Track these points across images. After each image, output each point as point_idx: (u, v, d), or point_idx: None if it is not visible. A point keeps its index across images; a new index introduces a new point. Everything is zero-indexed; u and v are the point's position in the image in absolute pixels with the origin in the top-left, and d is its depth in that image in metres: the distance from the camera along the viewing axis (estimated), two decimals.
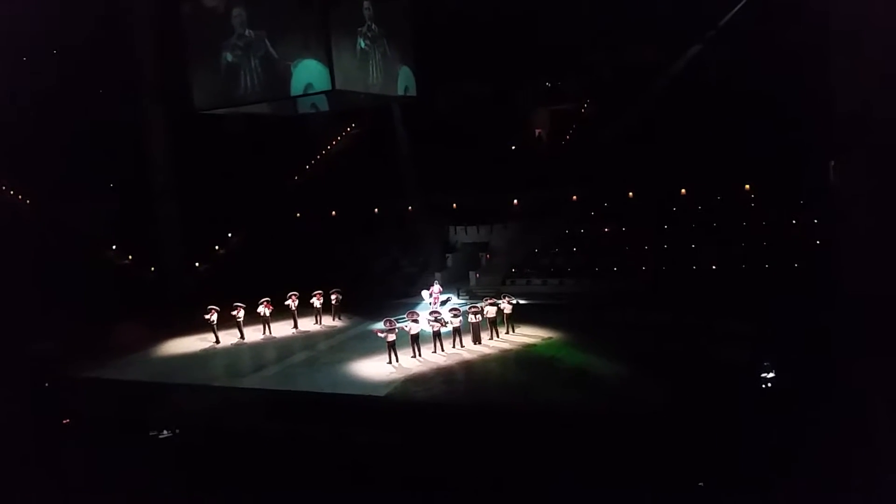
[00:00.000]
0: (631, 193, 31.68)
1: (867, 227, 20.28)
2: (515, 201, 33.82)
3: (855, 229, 21.33)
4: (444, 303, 26.10)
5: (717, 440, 13.73)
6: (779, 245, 26.84)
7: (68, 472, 14.36)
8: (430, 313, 22.63)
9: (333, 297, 26.86)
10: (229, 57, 28.45)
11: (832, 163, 24.37)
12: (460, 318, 22.25)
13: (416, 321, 21.63)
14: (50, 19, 32.56)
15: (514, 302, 23.77)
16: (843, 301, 19.48)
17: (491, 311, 22.99)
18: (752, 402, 15.95)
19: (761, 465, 12.61)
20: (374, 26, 29.26)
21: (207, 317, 24.98)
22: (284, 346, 24.78)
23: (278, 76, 27.90)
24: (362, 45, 28.44)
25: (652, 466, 12.97)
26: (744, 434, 13.86)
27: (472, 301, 26.13)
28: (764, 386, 16.54)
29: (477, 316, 22.50)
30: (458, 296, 29.41)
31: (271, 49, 27.80)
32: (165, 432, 16.15)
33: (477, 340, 22.49)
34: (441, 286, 27.70)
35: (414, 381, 19.54)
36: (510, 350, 22.07)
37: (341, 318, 27.25)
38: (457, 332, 22.11)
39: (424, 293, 27.12)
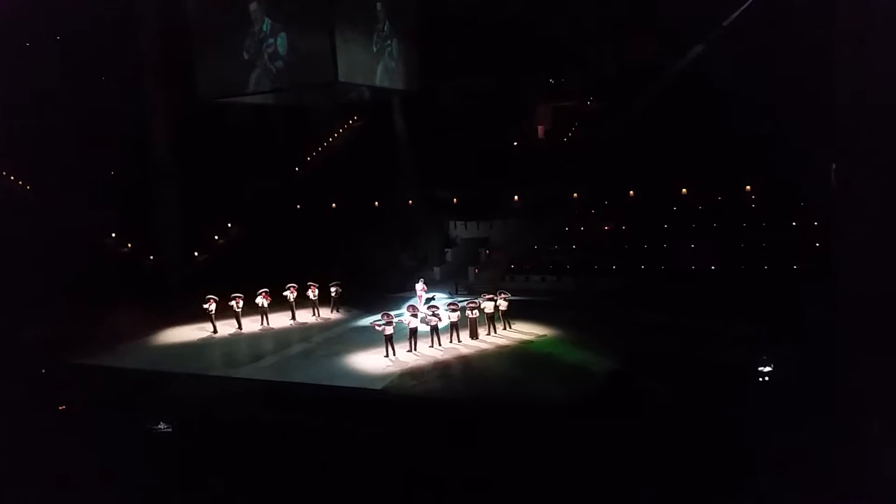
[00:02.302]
0: (632, 192, 31.66)
1: (868, 229, 20.26)
2: (516, 197, 33.80)
3: (856, 232, 21.30)
4: (427, 300, 25.79)
5: (713, 439, 13.75)
6: (779, 246, 26.83)
7: (63, 458, 14.38)
8: (429, 308, 22.64)
9: (333, 289, 26.88)
10: (236, 47, 28.50)
11: (834, 165, 24.31)
12: (458, 312, 22.27)
13: (414, 315, 21.65)
14: (53, 6, 32.51)
15: (509, 298, 23.75)
16: (842, 303, 19.48)
17: (488, 307, 23.00)
18: (750, 401, 15.97)
19: (760, 464, 12.63)
20: (382, 21, 29.29)
21: (206, 306, 25.01)
22: (282, 337, 24.81)
23: (287, 67, 27.94)
24: (366, 38, 28.47)
25: (647, 463, 12.99)
26: (742, 433, 13.88)
27: (468, 297, 26.03)
28: (761, 380, 16.53)
29: (474, 311, 22.52)
30: (457, 292, 29.34)
31: (280, 40, 27.83)
32: (162, 426, 16.09)
33: (474, 336, 22.51)
34: (426, 285, 27.28)
35: (410, 375, 19.61)
36: (507, 346, 22.10)
37: (340, 310, 27.27)
38: (454, 326, 22.14)
39: (418, 286, 26.89)
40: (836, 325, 18.86)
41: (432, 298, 25.66)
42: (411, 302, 25.49)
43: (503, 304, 23.41)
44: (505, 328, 23.47)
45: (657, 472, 12.67)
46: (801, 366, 16.95)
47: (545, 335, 22.99)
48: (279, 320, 26.14)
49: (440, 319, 21.81)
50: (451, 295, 28.65)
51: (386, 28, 29.61)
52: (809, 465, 12.05)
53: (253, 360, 22.21)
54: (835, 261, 22.35)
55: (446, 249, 33.49)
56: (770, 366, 16.57)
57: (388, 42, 29.98)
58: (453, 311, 22.23)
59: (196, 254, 35.38)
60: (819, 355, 17.20)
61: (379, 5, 29.10)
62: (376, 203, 36.63)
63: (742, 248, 27.53)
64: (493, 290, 24.03)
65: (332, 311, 27.06)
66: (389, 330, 20.86)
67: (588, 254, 29.83)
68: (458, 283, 30.33)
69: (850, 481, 11.54)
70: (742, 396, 16.19)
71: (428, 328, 21.78)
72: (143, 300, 28.56)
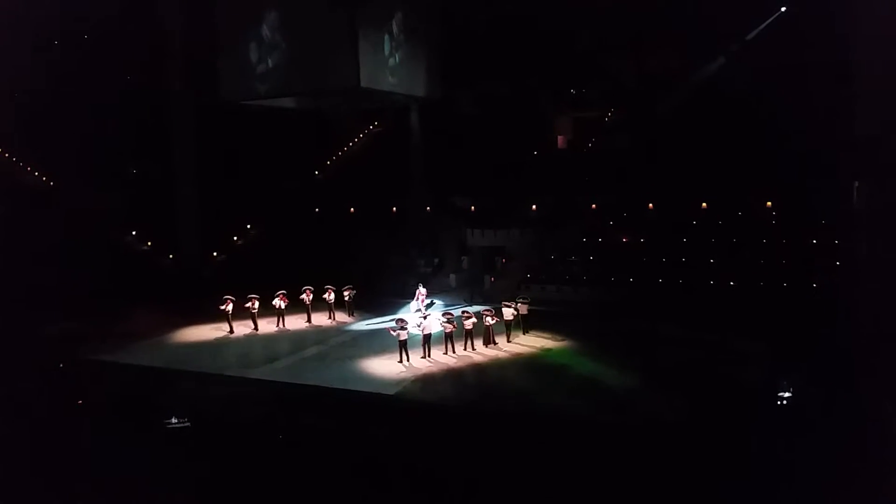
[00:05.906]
0: (651, 205, 31.53)
1: (890, 248, 20.07)
2: (534, 207, 33.76)
3: (877, 252, 21.11)
4: (428, 306, 25.64)
5: (727, 454, 13.66)
6: (798, 264, 26.59)
7: (79, 451, 14.54)
8: (443, 314, 22.65)
9: (346, 293, 26.97)
10: (258, 52, 28.78)
11: (856, 184, 24.11)
12: (473, 319, 22.25)
13: (425, 317, 21.67)
14: (79, 3, 32.89)
15: (529, 303, 23.72)
16: (861, 321, 19.31)
17: (506, 314, 23.00)
18: (765, 418, 15.85)
19: (770, 477, 12.53)
20: (401, 28, 29.43)
21: (223, 307, 25.21)
22: (297, 339, 24.88)
23: (306, 73, 28.16)
24: (389, 45, 28.64)
25: (657, 478, 12.92)
26: (754, 448, 13.78)
27: (483, 305, 25.95)
28: (779, 403, 16.39)
29: (489, 319, 22.50)
30: (472, 299, 29.26)
31: (299, 46, 28.05)
32: (175, 421, 16.22)
33: (488, 343, 22.50)
34: (426, 290, 26.82)
35: (423, 382, 19.61)
36: (521, 355, 22.04)
37: (354, 314, 27.35)
38: (468, 334, 22.11)
39: (413, 304, 26.45)
40: (855, 342, 18.68)
41: (432, 304, 25.59)
42: (411, 304, 25.50)
43: (524, 310, 23.45)
44: (522, 334, 23.47)
45: (666, 487, 12.61)
46: (819, 384, 16.78)
47: (560, 345, 22.93)
48: (295, 322, 26.27)
49: (454, 326, 21.80)
50: (466, 302, 28.62)
51: (407, 35, 29.77)
52: (821, 483, 11.95)
53: (268, 362, 22.31)
54: (855, 279, 22.17)
55: (462, 257, 33.49)
56: (789, 391, 16.37)
57: (410, 49, 30.14)
58: (467, 318, 22.23)
59: (214, 254, 35.65)
60: (836, 374, 17.04)
61: (401, 13, 29.28)
62: (394, 209, 36.74)
63: (761, 264, 27.30)
64: (511, 298, 24.00)
65: (348, 315, 27.17)
66: (404, 335, 20.90)
67: (605, 265, 29.71)
68: (474, 290, 30.29)
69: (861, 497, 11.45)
70: (756, 413, 16.08)
71: (442, 334, 21.80)
72: (161, 299, 28.84)
